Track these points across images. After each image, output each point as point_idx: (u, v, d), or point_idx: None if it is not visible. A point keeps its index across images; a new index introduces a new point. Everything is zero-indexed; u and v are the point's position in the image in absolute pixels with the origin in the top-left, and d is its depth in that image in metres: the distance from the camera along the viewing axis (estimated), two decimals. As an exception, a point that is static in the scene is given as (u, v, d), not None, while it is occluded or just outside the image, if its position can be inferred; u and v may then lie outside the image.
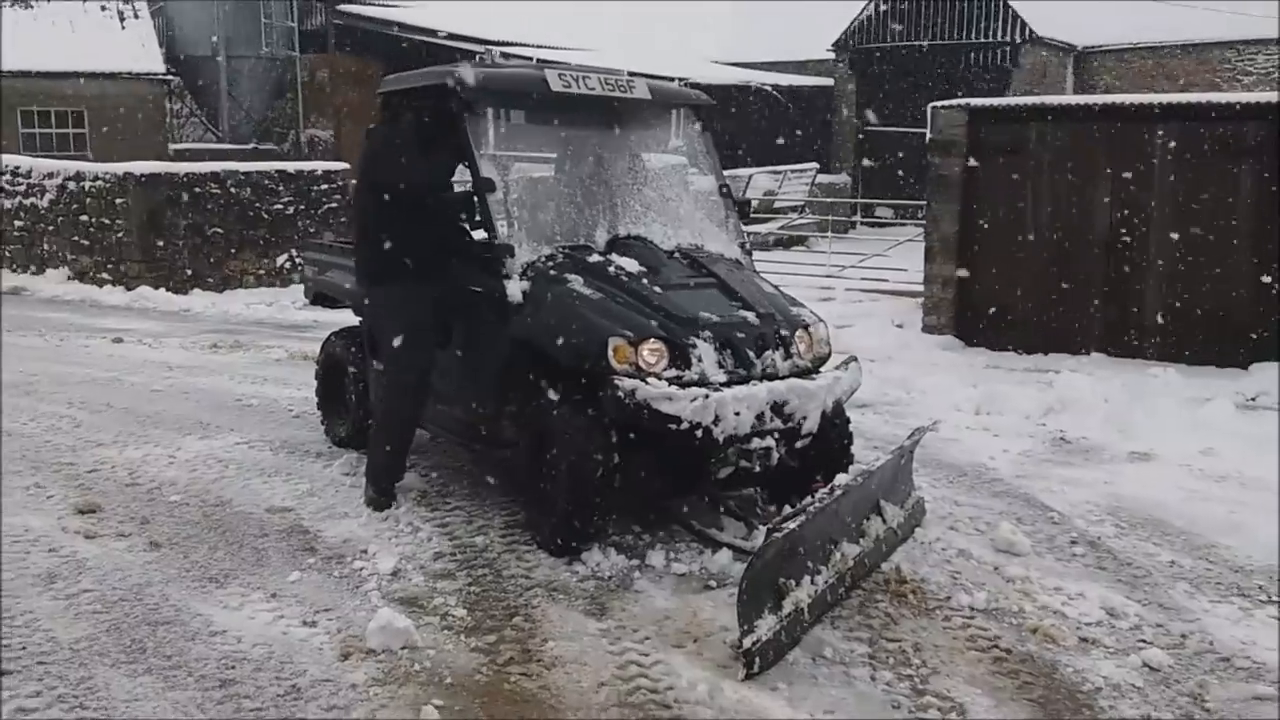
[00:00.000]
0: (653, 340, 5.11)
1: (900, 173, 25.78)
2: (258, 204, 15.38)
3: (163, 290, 14.43)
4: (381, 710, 3.81)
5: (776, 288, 6.00)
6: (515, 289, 5.44)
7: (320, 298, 7.59)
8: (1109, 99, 11.54)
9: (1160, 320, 10.32)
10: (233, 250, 15.26)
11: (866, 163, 27.40)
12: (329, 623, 4.51)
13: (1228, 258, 9.92)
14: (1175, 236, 10.16)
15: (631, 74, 6.26)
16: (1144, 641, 4.51)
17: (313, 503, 6.01)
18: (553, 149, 6.10)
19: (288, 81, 30.05)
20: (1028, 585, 5.05)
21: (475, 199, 5.59)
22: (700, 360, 5.15)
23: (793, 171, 22.48)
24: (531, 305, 5.40)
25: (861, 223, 24.08)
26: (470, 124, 5.69)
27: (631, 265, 5.55)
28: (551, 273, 5.48)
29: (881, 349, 10.79)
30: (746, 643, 4.09)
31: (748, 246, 6.33)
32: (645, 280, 5.47)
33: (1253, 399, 8.99)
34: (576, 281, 5.40)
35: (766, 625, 4.20)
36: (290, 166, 16.42)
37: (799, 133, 27.25)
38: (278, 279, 15.54)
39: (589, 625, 4.54)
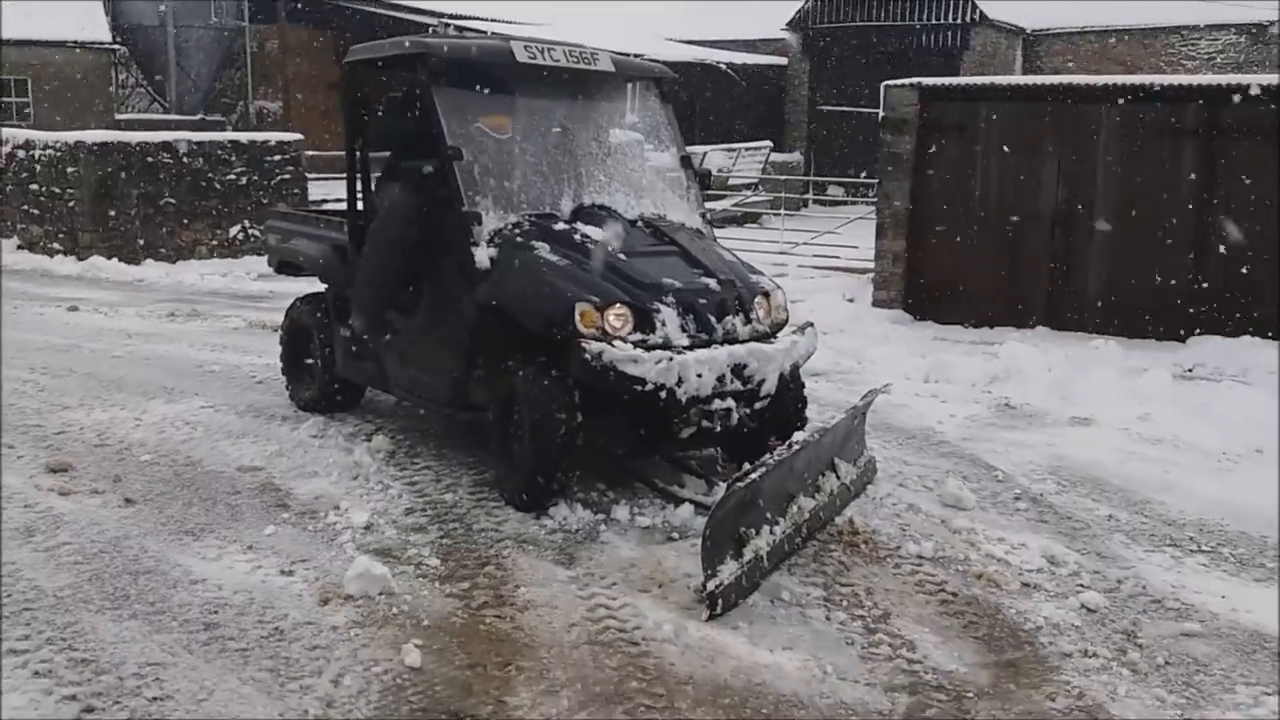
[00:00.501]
0: (618, 305, 5.29)
1: (851, 152, 26.11)
2: (210, 174, 15.32)
3: (115, 260, 14.34)
4: (363, 649, 3.99)
5: (736, 256, 6.20)
6: (483, 255, 5.59)
7: (284, 265, 7.66)
8: (1056, 79, 11.90)
9: (1102, 294, 10.66)
10: (185, 221, 15.20)
11: (820, 139, 27.73)
12: (306, 571, 4.66)
13: (1168, 234, 10.25)
14: (1118, 213, 10.49)
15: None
16: (1082, 586, 4.80)
17: (282, 462, 6.13)
18: (518, 119, 6.24)
19: (236, 52, 29.74)
20: (973, 536, 5.32)
21: (442, 167, 5.73)
22: (664, 325, 5.35)
23: (746, 149, 22.71)
24: (498, 271, 5.56)
25: (814, 201, 24.40)
26: (438, 94, 5.81)
27: (596, 233, 5.72)
28: (518, 240, 5.64)
29: (833, 322, 11.04)
30: (710, 586, 4.32)
31: (708, 217, 6.53)
32: (609, 248, 5.64)
33: (1189, 370, 9.37)
34: (543, 248, 5.56)
35: (728, 570, 4.43)
36: (243, 137, 16.37)
37: (753, 111, 27.48)
38: (230, 250, 15.49)
39: (558, 573, 4.73)
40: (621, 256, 5.58)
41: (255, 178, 15.69)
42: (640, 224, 6.02)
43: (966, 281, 11.35)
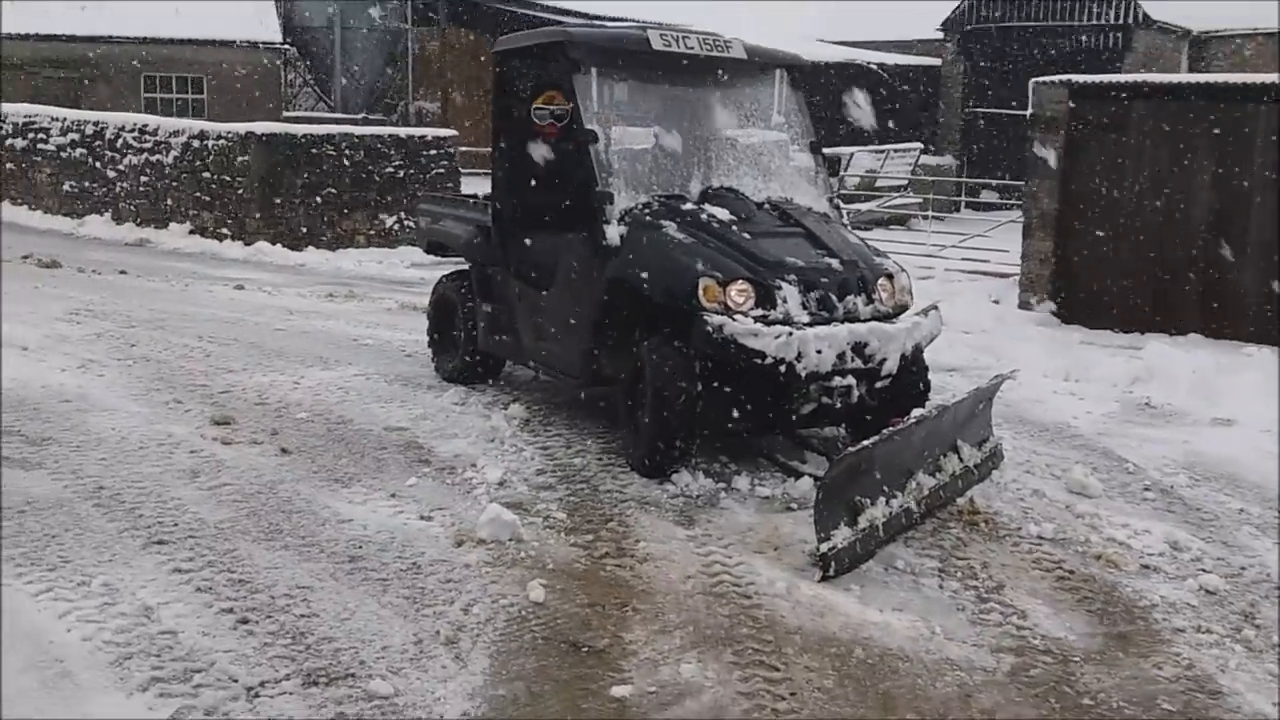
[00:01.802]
0: (740, 281, 5.47)
1: (1006, 155, 25.59)
2: (370, 167, 16.01)
3: (279, 246, 15.14)
4: (492, 585, 4.27)
5: (862, 240, 6.30)
6: (613, 233, 5.84)
7: (433, 246, 8.08)
8: (1211, 78, 11.49)
9: (1260, 302, 10.27)
10: (345, 210, 15.92)
11: (973, 141, 27.28)
12: (444, 517, 4.98)
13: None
14: (1276, 216, 10.11)
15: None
16: (1203, 570, 4.76)
17: (426, 425, 6.50)
18: (652, 104, 6.47)
19: (399, 53, 30.87)
20: (1096, 521, 5.31)
21: (579, 149, 6.01)
22: (785, 301, 5.50)
23: (895, 150, 22.48)
24: (628, 248, 5.80)
25: (966, 204, 23.99)
26: (577, 80, 6.10)
27: (723, 214, 5.92)
28: (647, 219, 5.87)
29: (976, 323, 10.93)
30: (823, 548, 4.46)
31: (836, 201, 6.64)
32: (735, 228, 5.83)
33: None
34: (670, 227, 5.78)
35: (842, 535, 4.55)
36: (401, 132, 17.06)
37: (904, 113, 27.18)
38: (387, 240, 16.16)
39: (678, 532, 4.94)
40: (746, 235, 5.75)
41: (412, 171, 16.33)
42: (767, 206, 6.18)
43: (1116, 285, 11.07)
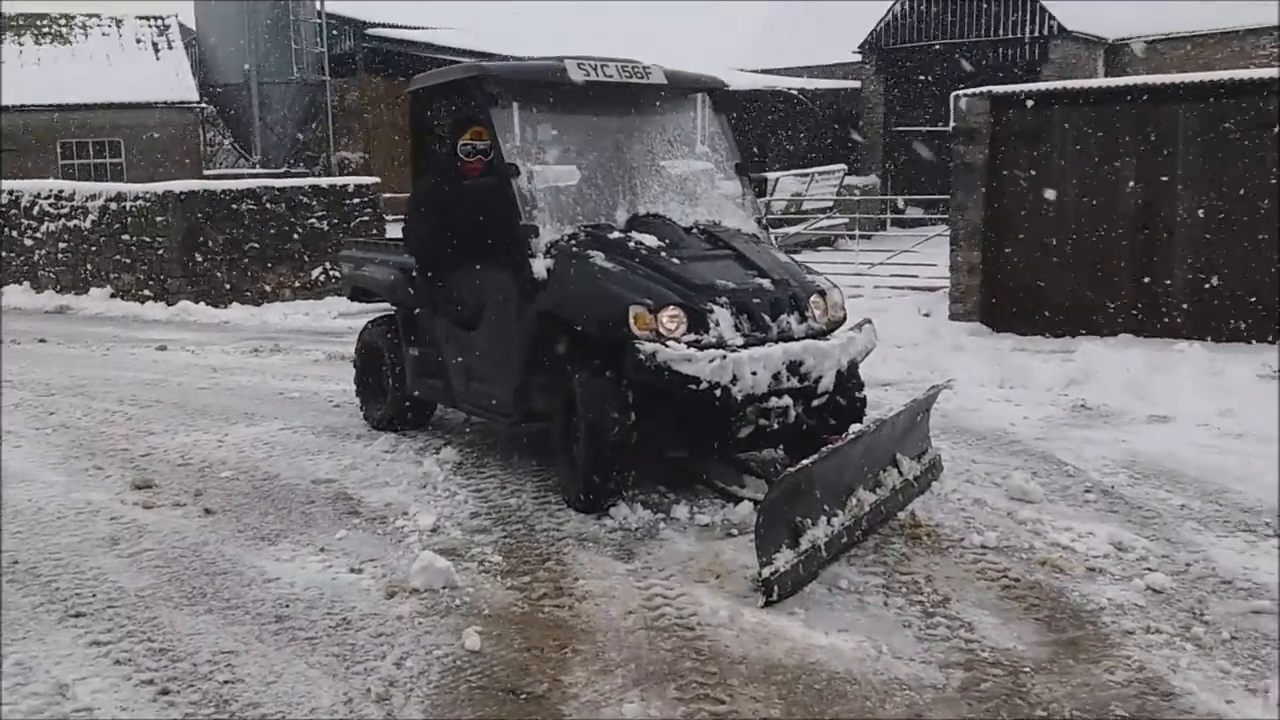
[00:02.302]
0: (671, 307, 5.38)
1: (928, 172, 25.93)
2: (292, 219, 15.79)
3: (203, 304, 14.84)
4: (426, 636, 4.10)
5: (792, 259, 6.26)
6: (540, 266, 5.73)
7: (358, 293, 7.91)
8: (1129, 80, 11.69)
9: (1187, 299, 10.38)
10: (269, 264, 15.67)
11: (896, 160, 27.64)
12: (374, 569, 4.81)
13: (1253, 234, 9.97)
14: (1201, 215, 10.23)
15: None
16: (1148, 569, 4.73)
17: (355, 474, 6.32)
18: (574, 134, 6.40)
19: (319, 105, 30.64)
20: (1038, 526, 5.27)
21: (501, 183, 5.91)
22: (718, 324, 5.42)
23: (820, 173, 22.70)
24: (555, 281, 5.69)
25: (892, 222, 24.23)
26: (495, 114, 6.01)
27: (651, 240, 5.84)
28: (574, 249, 5.77)
29: (908, 336, 10.95)
30: (765, 573, 4.35)
31: (764, 222, 6.60)
32: (664, 254, 5.75)
33: (1277, 371, 9.08)
34: (598, 256, 5.69)
35: (784, 559, 4.45)
36: (324, 181, 16.87)
37: (827, 136, 27.50)
38: (313, 291, 15.91)
39: (617, 567, 4.81)
40: (675, 261, 5.68)
41: (335, 221, 16.10)
42: (695, 230, 6.12)
43: (1046, 291, 11.16)
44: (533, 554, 4.99)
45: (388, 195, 17.50)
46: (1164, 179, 10.44)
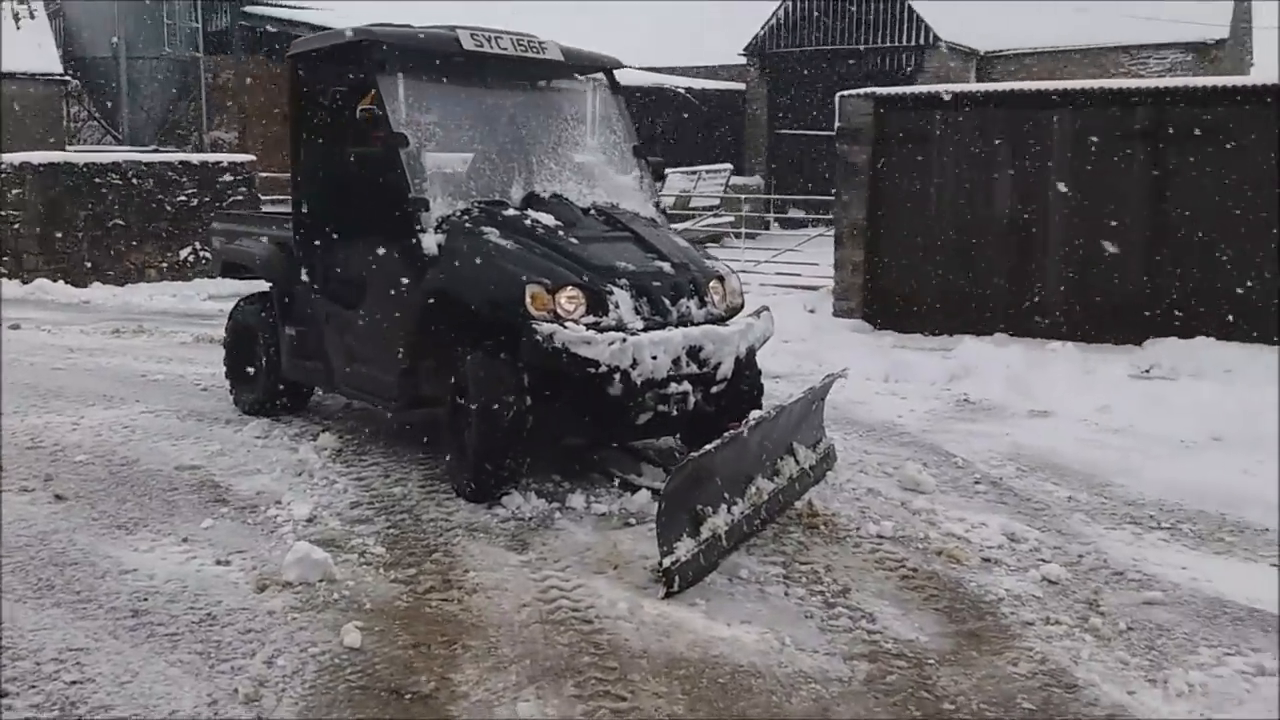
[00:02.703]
0: (570, 287, 5.17)
1: (810, 174, 26.27)
2: (161, 195, 15.07)
3: (61, 283, 14.04)
4: (300, 632, 3.81)
5: (690, 244, 6.11)
6: (430, 242, 5.46)
7: (229, 268, 7.48)
8: (1009, 86, 11.84)
9: (1060, 300, 10.60)
10: (135, 243, 14.92)
11: (779, 161, 27.93)
12: (243, 561, 4.48)
13: (1123, 237, 10.22)
14: (1073, 220, 10.46)
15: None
16: (1042, 560, 4.70)
17: (223, 461, 5.94)
18: (467, 107, 6.14)
19: (191, 83, 29.44)
20: (932, 516, 5.23)
21: (389, 154, 5.60)
22: (617, 307, 5.23)
23: (707, 172, 22.69)
24: (447, 257, 5.42)
25: (775, 221, 24.42)
26: (382, 82, 5.69)
27: (548, 219, 5.62)
28: (467, 226, 5.51)
29: (794, 332, 10.94)
30: (666, 563, 4.18)
31: (662, 206, 6.44)
32: (562, 233, 5.53)
33: (1146, 370, 9.32)
34: (493, 233, 5.44)
35: (685, 548, 4.29)
36: (195, 158, 16.14)
37: (713, 135, 27.58)
38: (181, 273, 15.22)
39: (510, 558, 4.58)
40: (574, 241, 5.47)
41: (207, 199, 15.42)
42: (593, 212, 5.92)
43: (926, 290, 11.28)
44: (419, 545, 4.73)
45: (265, 175, 16.84)
46: (1039, 184, 10.63)
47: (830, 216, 20.77)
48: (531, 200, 5.84)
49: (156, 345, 9.89)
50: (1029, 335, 10.61)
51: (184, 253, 15.25)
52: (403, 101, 5.71)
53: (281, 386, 6.83)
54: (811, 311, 12.48)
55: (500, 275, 5.20)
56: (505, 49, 5.97)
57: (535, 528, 4.97)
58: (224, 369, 7.27)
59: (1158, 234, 10.09)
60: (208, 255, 15.20)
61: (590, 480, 5.59)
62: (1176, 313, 9.92)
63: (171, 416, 6.91)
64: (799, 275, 15.88)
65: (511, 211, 5.65)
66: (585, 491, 5.36)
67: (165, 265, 15.17)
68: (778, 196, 24.40)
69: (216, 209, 14.80)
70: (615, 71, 6.61)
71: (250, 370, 6.97)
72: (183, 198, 15.25)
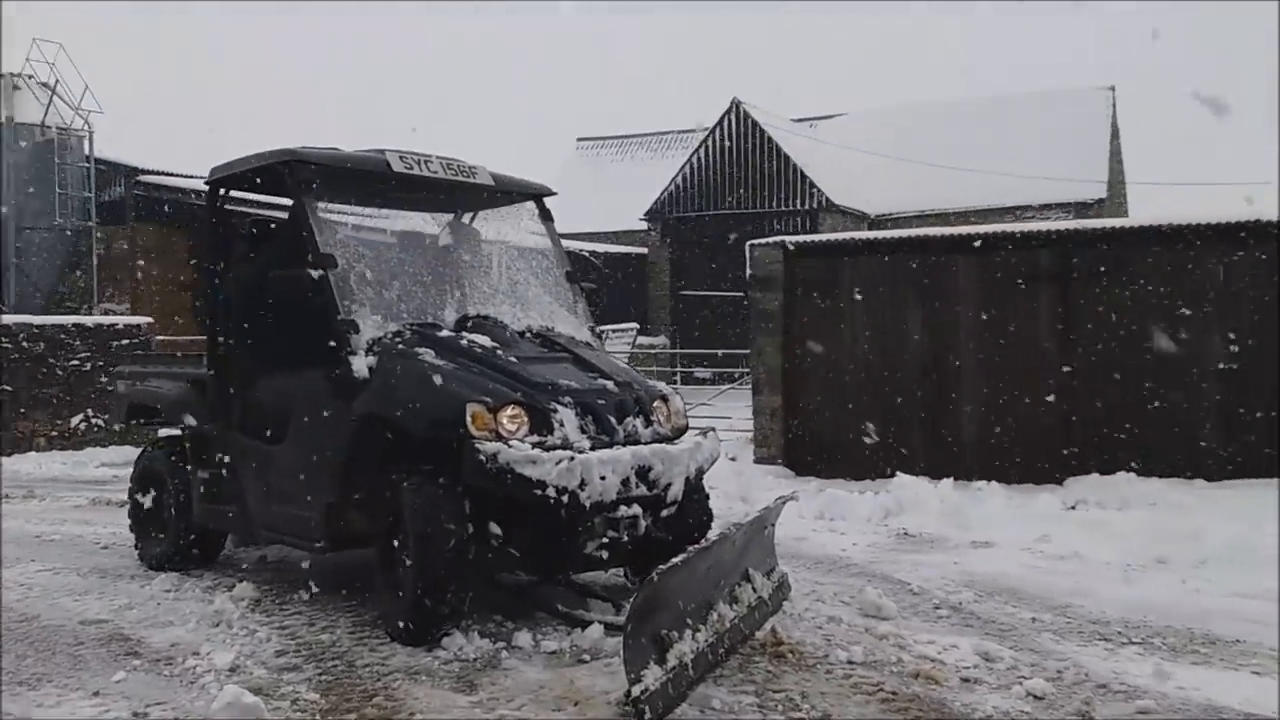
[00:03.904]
0: (512, 405, 4.93)
1: (715, 333, 26.65)
2: (52, 360, 14.45)
3: (-59, 453, 13.25)
4: (234, 781, 3.36)
5: (629, 367, 5.95)
6: (360, 364, 5.19)
7: (136, 411, 7.04)
8: (914, 232, 12.07)
9: (977, 439, 10.59)
10: (23, 410, 14.22)
11: (683, 321, 28.33)
12: (163, 712, 4.02)
13: (1034, 377, 10.33)
14: (983, 362, 10.56)
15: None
16: (1023, 677, 4.47)
17: (132, 614, 5.46)
18: (399, 231, 5.98)
19: (83, 253, 28.86)
20: (901, 640, 4.98)
21: (316, 277, 5.38)
22: (562, 425, 5.00)
23: (614, 331, 22.82)
24: (379, 380, 5.15)
25: (682, 382, 24.54)
26: (309, 203, 5.52)
27: (484, 340, 5.42)
28: (400, 347, 5.28)
29: (717, 479, 10.68)
30: (635, 692, 3.83)
31: (597, 330, 6.29)
32: (500, 353, 5.33)
33: (1072, 507, 9.27)
34: (428, 354, 5.21)
35: (653, 676, 3.95)
36: (89, 320, 15.61)
37: (618, 297, 27.92)
38: (73, 440, 14.49)
39: (458, 700, 4.19)
40: (513, 360, 5.27)
41: (101, 363, 14.83)
42: (529, 334, 5.74)
43: (845, 434, 11.20)
44: (356, 690, 4.30)
45: (161, 338, 16.33)
46: (950, 327, 10.75)
47: (736, 373, 20.99)
48: (465, 322, 5.65)
49: (49, 509, 9.27)
50: (949, 476, 10.56)
51: (75, 420, 14.55)
52: (331, 222, 5.53)
53: (193, 536, 6.38)
54: (733, 459, 12.31)
55: (438, 395, 4.94)
56: (435, 172, 5.86)
57: (482, 668, 4.58)
58: (129, 521, 6.78)
59: (1069, 371, 10.22)
60: (100, 422, 14.62)
61: (535, 618, 5.23)
62: (1094, 450, 9.94)
63: (72, 574, 6.39)
64: (714, 429, 15.76)
65: (446, 333, 5.43)
66: (531, 629, 5.00)
67: (55, 434, 14.44)
68: (684, 351, 24.60)
69: (106, 389, 14.28)
70: (545, 199, 6.55)
71: (158, 521, 6.51)
72: (75, 362, 14.65)
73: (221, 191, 6.18)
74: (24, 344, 14.21)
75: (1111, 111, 32.01)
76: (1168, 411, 9.70)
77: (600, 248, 28.92)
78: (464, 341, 5.32)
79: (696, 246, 29.38)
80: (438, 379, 4.99)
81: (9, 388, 14.08)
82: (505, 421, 4.86)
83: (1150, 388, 9.78)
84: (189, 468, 6.33)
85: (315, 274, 5.32)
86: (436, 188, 5.96)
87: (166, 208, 28.01)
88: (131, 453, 12.31)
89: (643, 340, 25.09)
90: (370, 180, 5.76)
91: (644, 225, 30.69)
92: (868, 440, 11.02)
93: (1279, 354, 9.23)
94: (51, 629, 5.19)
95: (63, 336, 14.59)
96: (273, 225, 6.00)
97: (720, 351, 21.74)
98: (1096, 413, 10.00)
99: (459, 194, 6.20)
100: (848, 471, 11.04)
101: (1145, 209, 32.16)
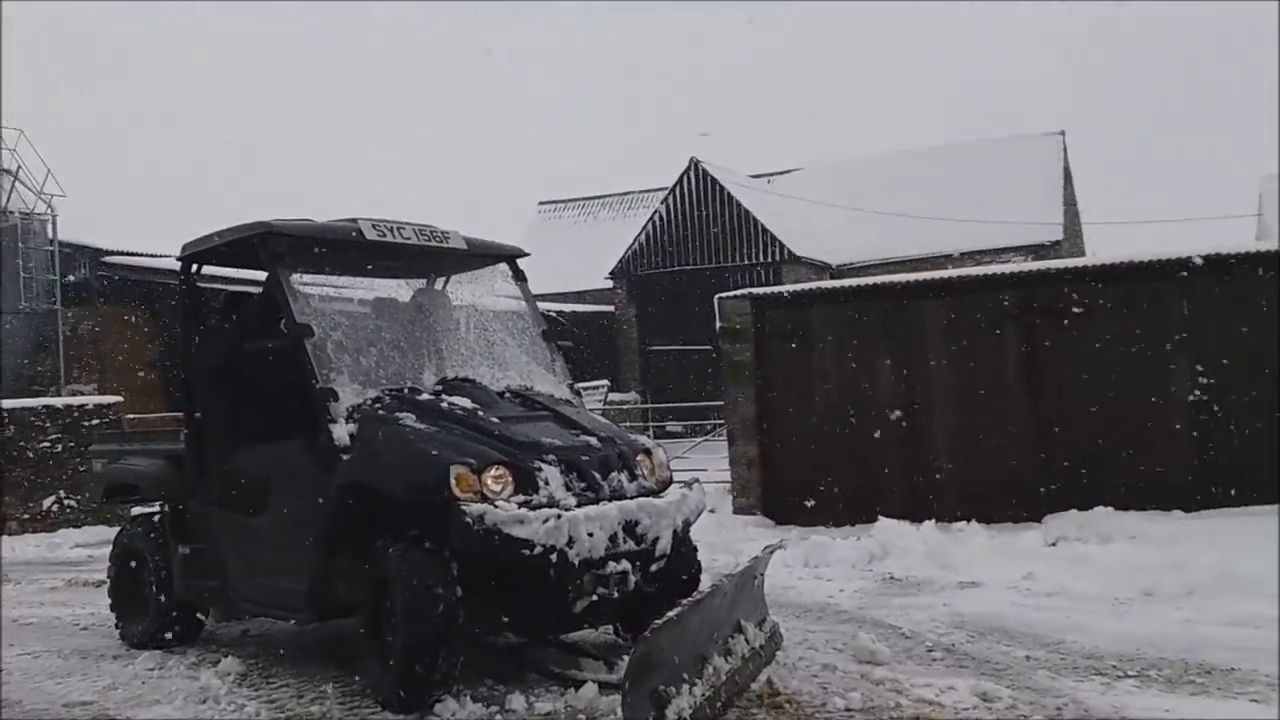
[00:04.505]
0: (496, 466, 4.92)
1: (683, 387, 26.73)
2: (22, 443, 14.28)
3: (-92, 542, 12.98)
4: None
5: (609, 422, 5.96)
6: (341, 432, 5.17)
7: (114, 489, 6.95)
8: (881, 279, 12.15)
9: (953, 483, 10.59)
10: (-8, 494, 14.00)
11: (652, 377, 28.36)
12: (156, 793, 3.92)
13: (1005, 416, 10.39)
14: (956, 404, 10.61)
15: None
16: (1023, 715, 4.47)
17: (117, 695, 5.36)
18: (372, 297, 5.99)
19: (49, 336, 28.63)
20: (897, 685, 4.96)
21: (293, 347, 5.36)
22: (547, 484, 4.98)
23: (585, 388, 22.83)
24: (360, 447, 5.13)
25: (655, 436, 24.55)
26: (283, 274, 5.52)
27: (465, 402, 5.41)
28: (380, 413, 5.26)
29: (699, 530, 10.58)
30: (636, 750, 3.80)
31: (575, 388, 6.30)
32: (481, 414, 5.32)
33: (1053, 544, 9.29)
34: (409, 418, 5.19)
35: (653, 733, 3.92)
36: (59, 401, 15.45)
37: (586, 355, 27.97)
38: (45, 523, 14.27)
39: (456, 765, 4.12)
40: (495, 420, 5.26)
41: (72, 445, 14.66)
42: (508, 394, 5.74)
43: (822, 482, 11.16)
44: (351, 760, 4.23)
45: (131, 416, 16.17)
46: (919, 370, 10.81)
47: (710, 424, 21.00)
48: (444, 385, 5.64)
49: (25, 593, 9.09)
50: (929, 518, 10.56)
51: (48, 502, 14.35)
52: (305, 292, 5.53)
53: (174, 613, 6.28)
54: (712, 511, 12.24)
55: (420, 459, 4.92)
56: (408, 238, 5.89)
57: (476, 733, 4.52)
58: (109, 600, 6.67)
59: (1040, 409, 10.29)
60: (73, 504, 14.42)
61: (527, 680, 5.18)
62: (1070, 486, 9.96)
63: (52, 656, 6.27)
64: (681, 480, 15.74)
65: (425, 396, 5.43)
66: (524, 691, 4.95)
67: (27, 517, 14.21)
68: (655, 405, 24.61)
69: (82, 461, 14.08)
70: (518, 260, 6.58)
71: (138, 599, 6.41)
72: (46, 444, 14.48)
73: (194, 267, 6.18)
74: (-9, 427, 14.02)
75: (1063, 156, 32.66)
76: (1141, 444, 9.78)
77: (567, 307, 29.00)
78: (444, 404, 5.31)
79: (662, 302, 29.57)
80: (420, 443, 4.97)
81: (-23, 472, 13.87)
82: (490, 482, 4.84)
83: (1122, 421, 9.88)
84: (169, 544, 6.25)
85: (291, 344, 5.31)
86: (410, 254, 5.98)
87: (130, 286, 27.90)
88: (106, 532, 12.18)
89: (614, 396, 25.11)
90: (344, 249, 5.78)
91: (609, 284, 30.86)
92: (844, 487, 11.01)
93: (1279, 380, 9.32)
94: (35, 713, 5.08)
95: (32, 419, 14.43)
96: (245, 298, 5.98)
97: (691, 405, 21.79)
98: (1070, 449, 10.07)
99: (433, 259, 6.23)
100: (828, 518, 11.01)
101: (1103, 249, 32.69)
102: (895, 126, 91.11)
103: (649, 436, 23.71)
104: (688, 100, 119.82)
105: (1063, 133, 33.21)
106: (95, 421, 14.96)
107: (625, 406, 23.29)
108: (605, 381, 24.28)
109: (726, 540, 9.60)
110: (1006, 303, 10.56)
